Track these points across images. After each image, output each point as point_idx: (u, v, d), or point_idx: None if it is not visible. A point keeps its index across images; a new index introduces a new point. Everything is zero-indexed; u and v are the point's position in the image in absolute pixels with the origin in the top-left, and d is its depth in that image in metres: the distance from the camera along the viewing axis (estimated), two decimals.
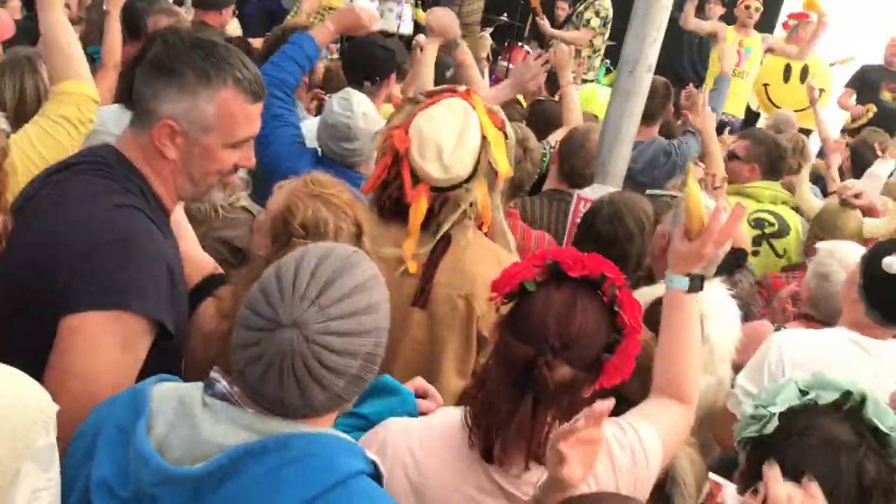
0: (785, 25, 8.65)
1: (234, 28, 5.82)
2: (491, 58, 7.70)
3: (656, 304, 2.13)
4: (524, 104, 5.15)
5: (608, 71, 7.92)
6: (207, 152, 1.83)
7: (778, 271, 4.05)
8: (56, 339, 1.68)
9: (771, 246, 4.26)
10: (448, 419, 1.80)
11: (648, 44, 3.56)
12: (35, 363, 1.60)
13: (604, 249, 2.72)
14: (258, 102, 1.86)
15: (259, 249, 2.03)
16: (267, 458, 1.32)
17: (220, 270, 2.22)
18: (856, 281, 2.70)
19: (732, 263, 3.18)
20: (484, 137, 2.34)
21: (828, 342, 2.67)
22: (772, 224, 4.26)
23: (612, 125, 3.65)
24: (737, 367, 2.62)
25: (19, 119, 2.81)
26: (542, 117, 4.76)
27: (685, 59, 8.26)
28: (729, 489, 2.07)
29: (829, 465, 1.64)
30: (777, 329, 2.93)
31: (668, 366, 1.92)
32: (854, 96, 7.82)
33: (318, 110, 4.23)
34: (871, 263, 2.65)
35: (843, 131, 7.39)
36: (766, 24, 8.33)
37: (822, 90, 6.33)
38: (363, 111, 3.21)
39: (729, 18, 7.74)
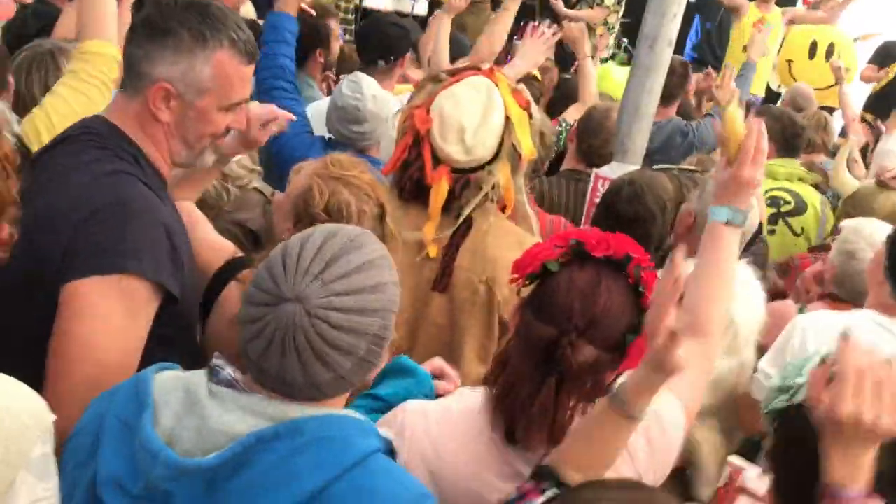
0: (805, 1, 8.53)
1: (248, 10, 5.77)
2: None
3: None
4: (540, 79, 5.09)
5: (627, 53, 7.78)
6: (202, 115, 1.81)
7: (798, 250, 4.00)
8: (58, 308, 1.66)
9: (787, 224, 4.21)
10: (467, 402, 1.77)
11: (669, 19, 3.51)
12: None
13: (625, 230, 2.69)
14: (251, 64, 1.84)
15: (281, 233, 2.01)
16: (280, 444, 1.31)
17: (241, 253, 2.20)
18: (882, 262, 2.65)
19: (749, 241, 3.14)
20: (507, 118, 2.30)
21: (852, 325, 2.63)
22: (788, 202, 4.21)
23: (632, 102, 3.61)
24: (761, 350, 2.59)
25: None
26: (567, 94, 4.74)
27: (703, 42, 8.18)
28: (749, 472, 2.05)
29: None
30: (800, 310, 2.89)
31: (695, 296, 1.84)
32: (877, 73, 7.72)
33: (329, 91, 4.20)
34: None
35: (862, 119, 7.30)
36: None
37: (847, 69, 6.24)
38: (373, 93, 3.21)
39: None
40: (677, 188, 3.16)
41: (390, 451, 1.41)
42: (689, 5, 3.87)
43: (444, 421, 1.73)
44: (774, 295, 3.25)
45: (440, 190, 2.27)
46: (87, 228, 1.67)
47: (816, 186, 4.31)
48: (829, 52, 7.58)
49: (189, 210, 2.10)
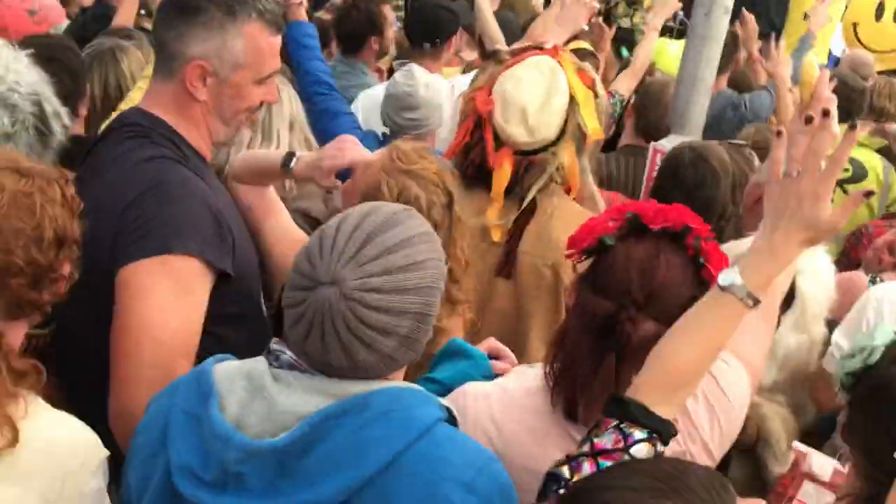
0: None
1: None
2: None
3: None
4: (595, 53, 4.99)
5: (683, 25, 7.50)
6: (238, 90, 1.82)
7: (858, 219, 3.89)
8: (115, 297, 1.69)
9: (845, 192, 4.10)
10: (526, 382, 1.75)
11: None
12: None
13: (689, 196, 2.64)
14: (279, 34, 1.85)
15: None
16: (347, 420, 1.31)
17: None
18: None
19: None
20: (572, 98, 2.26)
21: None
22: (846, 169, 4.09)
23: (689, 73, 3.56)
24: (831, 324, 2.53)
25: (105, 111, 2.91)
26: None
27: (761, 9, 7.92)
28: (814, 458, 2.00)
29: None
30: (872, 281, 2.82)
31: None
32: None
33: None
34: None
35: None
36: None
37: None
38: (425, 81, 3.26)
39: None
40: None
41: (452, 419, 1.41)
42: None
43: (506, 402, 1.72)
44: (846, 266, 3.18)
45: (503, 173, 2.24)
46: (130, 214, 1.71)
47: (886, 153, 4.15)
48: None
49: (271, 200, 2.13)
